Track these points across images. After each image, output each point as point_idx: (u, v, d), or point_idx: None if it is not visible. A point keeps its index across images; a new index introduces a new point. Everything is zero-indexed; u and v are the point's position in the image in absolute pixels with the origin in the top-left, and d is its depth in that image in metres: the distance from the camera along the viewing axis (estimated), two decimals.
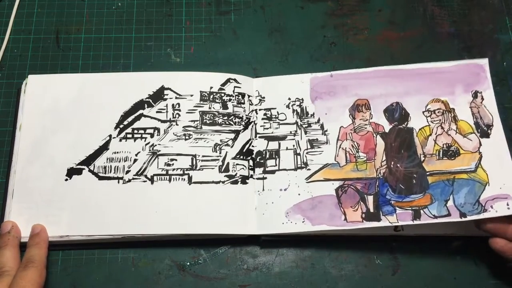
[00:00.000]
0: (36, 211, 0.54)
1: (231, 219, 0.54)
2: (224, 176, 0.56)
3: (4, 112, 0.61)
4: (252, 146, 0.58)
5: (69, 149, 0.57)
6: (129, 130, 0.58)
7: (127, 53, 0.64)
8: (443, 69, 0.59)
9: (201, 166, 0.56)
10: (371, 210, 0.53)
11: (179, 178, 0.56)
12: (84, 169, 0.56)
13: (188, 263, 0.55)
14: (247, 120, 0.59)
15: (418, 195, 0.53)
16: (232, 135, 0.58)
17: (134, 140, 0.58)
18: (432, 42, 0.66)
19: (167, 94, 0.59)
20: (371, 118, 0.58)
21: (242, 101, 0.60)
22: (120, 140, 0.57)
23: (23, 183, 0.55)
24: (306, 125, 0.58)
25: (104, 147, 0.57)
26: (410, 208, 0.53)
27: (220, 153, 0.57)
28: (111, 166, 0.56)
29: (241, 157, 0.57)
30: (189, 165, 0.56)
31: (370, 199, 0.54)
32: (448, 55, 0.65)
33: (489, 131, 0.56)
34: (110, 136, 0.58)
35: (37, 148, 0.57)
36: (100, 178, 0.56)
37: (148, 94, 0.59)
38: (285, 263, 0.56)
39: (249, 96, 0.60)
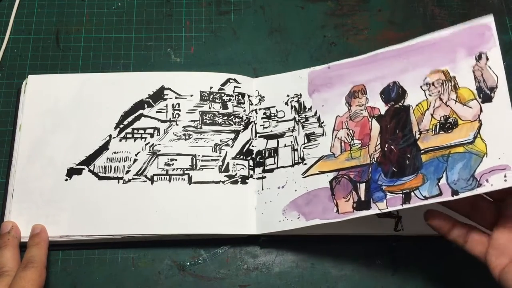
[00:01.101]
0: (36, 211, 0.54)
1: (231, 219, 0.54)
2: (224, 176, 0.56)
3: (4, 112, 0.61)
4: (252, 146, 0.58)
5: (69, 149, 0.57)
6: (129, 130, 0.58)
7: (127, 53, 0.64)
8: (443, 38, 0.52)
9: (201, 166, 0.56)
10: (362, 198, 0.51)
11: (179, 178, 0.56)
12: (84, 169, 0.56)
13: (188, 263, 0.55)
14: (247, 120, 0.59)
15: (410, 177, 0.49)
16: (232, 135, 0.58)
17: (134, 140, 0.57)
18: None
19: (167, 94, 0.59)
20: (367, 103, 0.55)
21: (242, 101, 0.60)
22: (120, 140, 0.57)
23: (23, 183, 0.55)
24: (304, 120, 0.57)
25: (104, 147, 0.57)
26: (401, 192, 0.49)
27: (220, 153, 0.57)
28: (111, 166, 0.56)
29: (241, 157, 0.57)
30: (189, 165, 0.56)
31: (362, 187, 0.51)
32: None
33: (492, 94, 0.48)
34: (110, 136, 0.57)
35: (37, 148, 0.57)
36: (100, 178, 0.56)
37: (148, 94, 0.59)
38: (285, 263, 0.56)
39: (249, 96, 0.60)
